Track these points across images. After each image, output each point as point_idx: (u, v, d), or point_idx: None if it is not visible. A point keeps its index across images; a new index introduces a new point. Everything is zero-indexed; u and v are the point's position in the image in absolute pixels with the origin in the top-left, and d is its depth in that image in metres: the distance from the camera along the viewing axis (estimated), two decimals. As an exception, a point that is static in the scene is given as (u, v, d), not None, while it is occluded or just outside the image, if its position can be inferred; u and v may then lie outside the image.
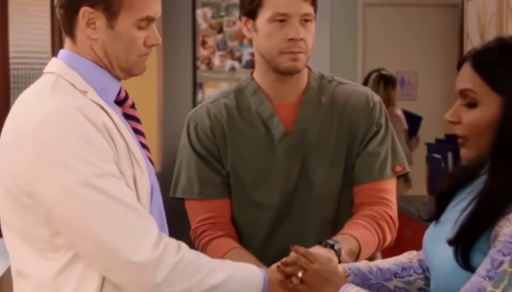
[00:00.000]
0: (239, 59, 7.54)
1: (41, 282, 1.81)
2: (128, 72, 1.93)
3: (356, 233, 2.29)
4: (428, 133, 6.98)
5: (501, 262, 1.65)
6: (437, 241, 1.83)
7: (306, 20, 2.31)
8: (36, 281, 1.82)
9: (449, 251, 1.75)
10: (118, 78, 1.94)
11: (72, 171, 1.73)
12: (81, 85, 1.86)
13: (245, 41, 7.49)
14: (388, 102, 6.08)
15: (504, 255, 1.66)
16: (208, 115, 2.39)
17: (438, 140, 5.73)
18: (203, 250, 2.35)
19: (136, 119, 1.99)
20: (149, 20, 1.91)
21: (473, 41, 5.44)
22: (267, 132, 2.38)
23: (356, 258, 2.25)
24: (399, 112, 6.35)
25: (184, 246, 1.85)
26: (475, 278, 1.68)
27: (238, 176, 2.37)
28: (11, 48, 4.36)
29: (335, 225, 2.35)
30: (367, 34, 7.76)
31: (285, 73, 2.35)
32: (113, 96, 1.93)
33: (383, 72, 6.41)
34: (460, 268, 1.72)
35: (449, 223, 1.81)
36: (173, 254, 1.79)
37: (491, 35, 4.98)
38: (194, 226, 2.40)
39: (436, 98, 7.67)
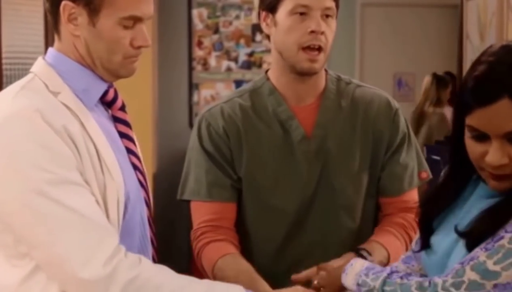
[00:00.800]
0: (235, 60, 7.48)
1: (8, 289, 1.73)
2: (113, 74, 1.85)
3: (386, 242, 2.25)
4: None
5: (501, 237, 1.62)
6: (436, 266, 1.79)
7: (328, 16, 2.24)
8: (4, 288, 1.74)
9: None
10: (104, 79, 1.87)
11: (23, 178, 1.64)
12: (54, 86, 1.79)
13: (241, 42, 7.44)
14: (439, 102, 6.59)
15: (506, 231, 1.62)
16: (222, 114, 2.31)
17: (437, 142, 5.68)
18: (199, 253, 2.28)
19: (124, 123, 1.91)
20: (135, 20, 1.81)
21: (473, 41, 5.39)
22: (285, 135, 2.29)
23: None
24: (447, 112, 6.48)
25: (145, 261, 1.74)
26: (475, 250, 1.64)
27: (254, 179, 2.28)
28: (4, 49, 4.33)
29: (358, 234, 2.30)
30: (365, 35, 7.71)
31: (303, 74, 2.27)
32: (96, 98, 1.85)
33: (437, 73, 6.85)
34: None
35: (443, 245, 1.77)
36: (127, 271, 1.67)
37: (491, 35, 4.93)
38: (195, 227, 2.32)
39: (435, 99, 7.63)
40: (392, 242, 2.26)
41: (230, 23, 7.45)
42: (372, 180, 2.32)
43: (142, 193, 1.90)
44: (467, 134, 1.67)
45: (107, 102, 1.88)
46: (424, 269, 1.88)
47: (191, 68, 7.48)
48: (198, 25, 7.47)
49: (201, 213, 2.31)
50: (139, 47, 1.83)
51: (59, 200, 1.64)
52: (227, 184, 2.28)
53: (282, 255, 2.28)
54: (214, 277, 2.19)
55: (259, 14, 2.33)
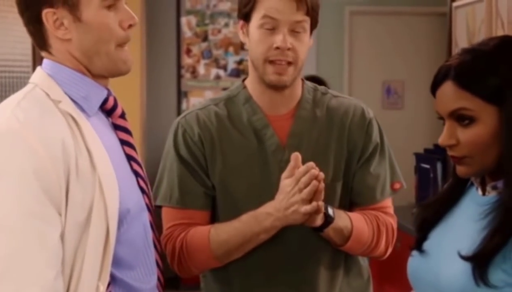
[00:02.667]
0: (224, 68, 7.47)
1: None
2: (114, 69, 1.83)
3: (354, 219, 2.26)
4: (416, 143, 6.93)
5: None
6: (430, 272, 1.78)
7: (298, 31, 2.22)
8: None
9: (454, 274, 1.69)
10: (105, 85, 1.85)
11: None
12: (55, 94, 1.77)
13: (230, 50, 7.43)
14: None
15: None
16: (197, 121, 2.30)
17: (426, 150, 5.67)
18: (183, 243, 2.24)
19: (125, 130, 1.90)
20: None
21: (462, 49, 5.38)
22: (259, 144, 2.28)
23: (345, 241, 2.24)
24: None
25: None
26: None
27: (228, 187, 2.27)
28: (-9, 56, 4.29)
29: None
30: (354, 43, 7.71)
31: (271, 87, 2.26)
32: (96, 105, 1.84)
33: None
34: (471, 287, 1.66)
35: (439, 252, 1.77)
36: None
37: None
38: (167, 231, 2.29)
39: (423, 107, 7.63)
40: (360, 224, 2.27)
41: (219, 31, 7.44)
42: (346, 190, 2.32)
43: (145, 199, 1.89)
44: (438, 119, 1.79)
45: (107, 110, 1.87)
46: (411, 272, 1.87)
47: (179, 76, 7.47)
48: (187, 33, 7.46)
49: (172, 218, 2.29)
50: (129, 27, 1.82)
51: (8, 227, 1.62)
52: (201, 191, 2.27)
53: (256, 266, 2.26)
54: (211, 240, 2.20)
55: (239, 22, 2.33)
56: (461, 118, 1.70)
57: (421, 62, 7.66)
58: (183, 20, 7.45)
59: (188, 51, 7.46)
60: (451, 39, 5.61)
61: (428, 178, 5.18)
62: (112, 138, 1.86)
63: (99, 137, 1.79)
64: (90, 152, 1.73)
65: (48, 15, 1.77)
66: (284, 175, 2.15)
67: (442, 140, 1.74)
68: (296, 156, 2.14)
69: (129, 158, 1.88)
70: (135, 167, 1.89)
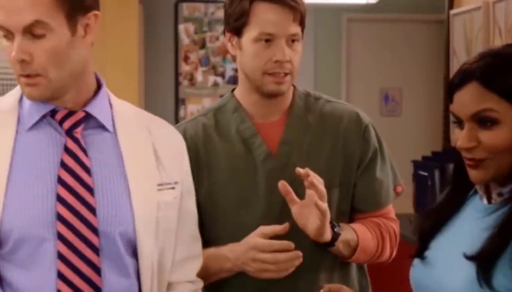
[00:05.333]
0: (222, 75, 7.47)
1: None
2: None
3: (358, 230, 2.24)
4: (414, 150, 6.91)
5: None
6: (433, 281, 1.77)
7: (293, 40, 2.21)
8: None
9: (459, 282, 1.69)
10: (65, 100, 1.84)
11: None
12: (5, 103, 1.84)
13: (228, 57, 7.42)
14: None
15: None
16: (184, 135, 2.25)
17: (424, 158, 5.66)
18: None
19: (67, 151, 1.82)
20: (5, 31, 1.76)
21: (459, 57, 5.39)
22: (247, 153, 2.26)
23: (352, 253, 2.24)
24: None
25: None
26: None
27: (216, 201, 2.25)
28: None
29: (331, 253, 2.26)
30: (352, 50, 7.71)
31: (270, 96, 2.25)
32: (32, 120, 1.82)
33: None
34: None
35: (442, 260, 1.77)
36: None
37: (477, 50, 4.92)
38: None
39: (421, 114, 7.63)
40: (365, 234, 2.26)
41: (217, 38, 7.44)
42: (344, 197, 2.30)
43: (59, 227, 1.78)
44: (452, 123, 1.76)
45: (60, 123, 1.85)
46: (414, 282, 1.86)
47: (177, 83, 7.46)
48: (185, 40, 7.46)
49: None
50: (19, 61, 1.76)
51: None
52: None
53: (251, 276, 2.23)
54: None
55: (224, 33, 2.30)
56: (484, 120, 1.68)
57: (419, 70, 7.65)
58: (181, 27, 7.45)
59: (186, 58, 7.45)
60: (449, 47, 5.61)
61: (426, 185, 5.17)
62: (49, 157, 1.82)
63: (25, 154, 1.78)
64: None
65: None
66: (264, 229, 2.13)
67: (462, 142, 1.70)
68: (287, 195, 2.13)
69: (59, 180, 1.80)
70: (61, 191, 1.79)
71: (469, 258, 1.67)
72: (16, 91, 1.86)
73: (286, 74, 2.21)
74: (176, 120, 7.28)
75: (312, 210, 2.09)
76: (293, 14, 2.20)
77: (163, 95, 7.42)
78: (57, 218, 1.78)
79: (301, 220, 2.12)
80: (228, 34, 2.27)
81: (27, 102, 1.82)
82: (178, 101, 7.46)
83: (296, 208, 2.13)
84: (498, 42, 4.66)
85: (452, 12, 5.39)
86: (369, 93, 7.64)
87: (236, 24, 2.23)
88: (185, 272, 1.99)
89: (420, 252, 1.84)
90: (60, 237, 1.77)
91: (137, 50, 6.59)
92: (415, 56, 7.67)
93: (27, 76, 1.76)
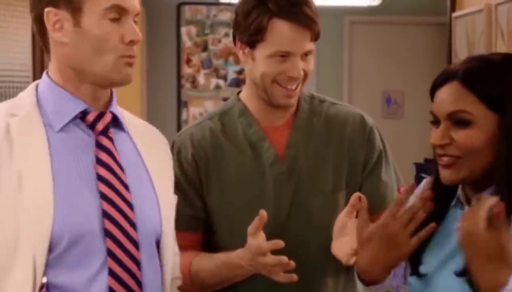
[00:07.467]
0: (224, 78, 7.48)
1: None
2: (106, 79, 1.79)
3: None
4: (416, 153, 6.92)
5: None
6: None
7: (307, 54, 2.22)
8: None
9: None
10: (91, 99, 1.82)
11: None
12: (19, 107, 1.79)
13: (230, 59, 7.43)
14: None
15: None
16: (191, 140, 2.26)
17: (426, 160, 5.67)
18: None
19: (104, 149, 1.83)
20: (119, 10, 1.76)
21: (461, 59, 5.38)
22: (255, 157, 2.25)
23: None
24: None
25: None
26: None
27: (224, 205, 2.24)
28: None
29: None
30: (354, 52, 7.72)
31: (279, 108, 2.25)
32: (65, 120, 1.80)
33: None
34: None
35: (436, 274, 1.76)
36: None
37: (479, 53, 4.93)
38: None
39: (423, 117, 7.59)
40: None
41: (219, 40, 7.45)
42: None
43: (106, 224, 1.79)
44: (430, 123, 1.78)
45: (88, 124, 1.84)
46: None
47: (179, 86, 7.47)
48: (187, 42, 7.47)
49: None
50: (130, 43, 1.78)
51: None
52: (186, 213, 2.22)
53: (258, 279, 2.21)
54: (192, 277, 2.19)
55: (234, 37, 2.29)
56: (459, 121, 1.70)
57: (421, 72, 7.66)
58: (183, 30, 7.46)
59: (188, 61, 7.46)
60: (451, 49, 5.61)
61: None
62: (82, 156, 1.81)
63: (61, 154, 1.77)
64: (19, 171, 1.72)
65: (49, 15, 1.76)
66: (256, 238, 2.10)
67: (434, 139, 1.72)
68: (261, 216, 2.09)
69: (98, 178, 1.80)
70: (102, 188, 1.80)
71: (459, 274, 1.66)
72: (28, 93, 1.84)
73: (297, 86, 2.21)
74: (178, 123, 7.29)
75: (352, 234, 2.04)
76: (310, 33, 2.20)
77: (165, 97, 7.43)
78: (103, 214, 1.79)
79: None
80: (239, 43, 2.26)
81: (49, 103, 1.80)
82: (180, 104, 7.47)
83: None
84: (500, 45, 4.66)
85: (454, 14, 5.38)
86: (371, 95, 7.65)
87: (251, 38, 2.22)
88: (176, 269, 2.02)
89: (414, 269, 1.82)
90: (108, 233, 1.78)
91: (139, 53, 6.60)
92: (417, 59, 7.68)
93: (130, 56, 1.79)
